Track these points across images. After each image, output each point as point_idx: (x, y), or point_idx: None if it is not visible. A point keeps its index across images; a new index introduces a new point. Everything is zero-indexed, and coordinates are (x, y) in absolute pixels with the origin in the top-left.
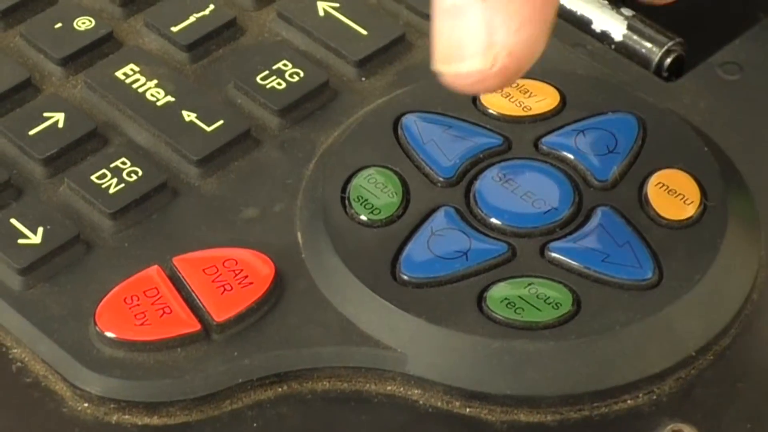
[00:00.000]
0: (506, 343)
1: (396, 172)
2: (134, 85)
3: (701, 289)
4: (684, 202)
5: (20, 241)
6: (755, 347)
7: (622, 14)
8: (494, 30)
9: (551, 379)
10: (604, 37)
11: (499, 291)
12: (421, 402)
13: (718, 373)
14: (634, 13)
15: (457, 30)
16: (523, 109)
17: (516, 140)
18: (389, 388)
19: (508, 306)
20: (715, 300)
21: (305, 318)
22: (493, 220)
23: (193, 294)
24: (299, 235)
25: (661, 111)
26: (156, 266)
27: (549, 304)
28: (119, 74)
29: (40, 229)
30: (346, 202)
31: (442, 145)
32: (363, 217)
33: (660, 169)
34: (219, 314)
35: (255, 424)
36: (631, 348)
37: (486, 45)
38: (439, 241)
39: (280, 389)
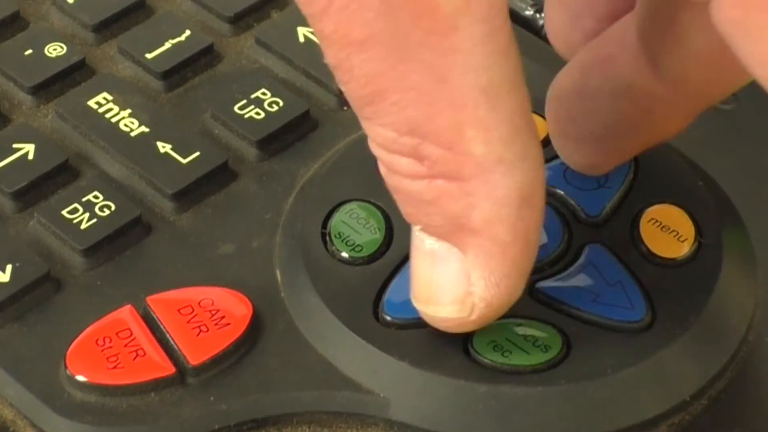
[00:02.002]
0: (493, 387)
1: (379, 207)
2: (107, 115)
3: (696, 331)
4: (678, 239)
5: None
6: (752, 391)
7: None
8: (473, 282)
9: (539, 426)
10: None
11: (485, 332)
12: None
13: (713, 419)
14: None
15: (435, 276)
16: None
17: None
18: None
19: (495, 348)
20: (710, 342)
21: (284, 360)
22: None
23: (168, 336)
24: (278, 272)
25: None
26: (129, 306)
27: (537, 346)
28: (91, 103)
29: (9, 267)
30: (327, 238)
31: None
32: (344, 255)
33: (653, 204)
34: (194, 357)
35: None
36: (622, 393)
37: (464, 295)
38: None
39: None
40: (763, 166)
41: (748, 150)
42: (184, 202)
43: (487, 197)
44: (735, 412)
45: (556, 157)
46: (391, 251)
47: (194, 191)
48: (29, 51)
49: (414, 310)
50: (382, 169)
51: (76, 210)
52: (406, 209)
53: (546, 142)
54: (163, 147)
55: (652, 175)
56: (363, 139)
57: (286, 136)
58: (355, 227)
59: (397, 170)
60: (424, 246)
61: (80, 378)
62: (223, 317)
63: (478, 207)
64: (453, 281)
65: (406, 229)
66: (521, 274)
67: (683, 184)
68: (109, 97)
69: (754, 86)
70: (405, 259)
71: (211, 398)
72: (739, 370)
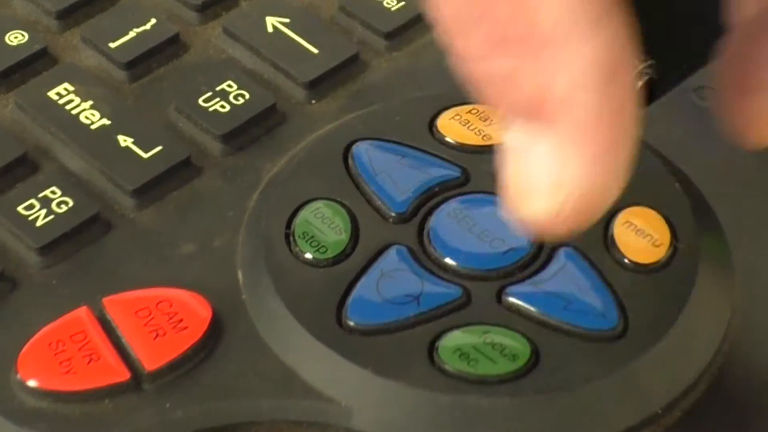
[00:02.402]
0: (458, 398)
1: (345, 206)
2: (67, 107)
3: (669, 340)
4: (653, 243)
5: None
6: (725, 403)
7: None
8: (565, 166)
9: None
10: None
11: (451, 340)
12: None
13: (685, 430)
14: None
15: (523, 167)
16: (483, 138)
17: (474, 172)
18: None
19: (461, 357)
20: (684, 352)
21: (244, 366)
22: (448, 261)
23: (123, 339)
24: (240, 273)
25: None
26: (85, 307)
27: (505, 355)
28: (52, 94)
29: None
30: (291, 238)
31: (395, 177)
32: (308, 256)
33: (627, 206)
34: (150, 362)
35: None
36: (592, 405)
37: (555, 183)
38: (389, 284)
39: None
40: (745, 167)
41: (727, 150)
42: (144, 199)
43: (563, 70)
44: (708, 425)
45: None
46: (357, 253)
47: (155, 187)
48: None
49: (379, 314)
50: (456, 60)
51: (32, 206)
52: (487, 93)
53: None
54: (125, 141)
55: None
56: (331, 135)
57: (252, 130)
58: (320, 227)
59: (467, 52)
60: (511, 140)
61: (32, 383)
62: (181, 320)
63: (557, 79)
64: (542, 167)
65: (373, 229)
66: (616, 163)
67: (659, 185)
68: (71, 88)
69: None
70: (370, 261)
71: (167, 405)
72: (713, 382)
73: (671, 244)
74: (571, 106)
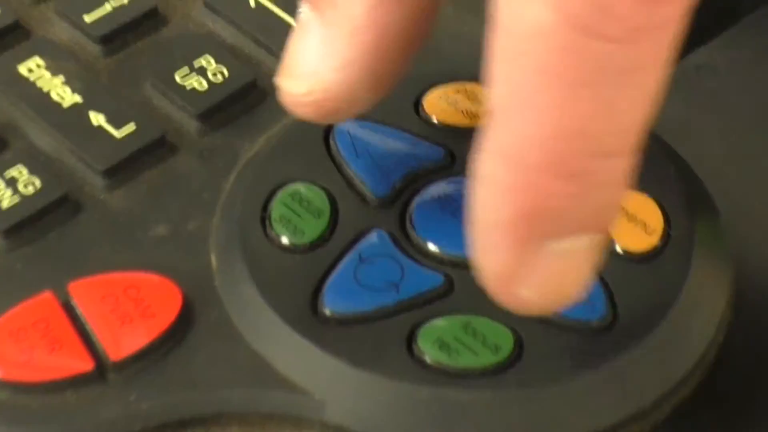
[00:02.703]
0: (437, 391)
1: (324, 189)
2: (38, 82)
3: (660, 332)
4: (645, 230)
5: None
6: (719, 399)
7: None
8: (320, 60)
9: None
10: None
11: (432, 330)
12: None
13: (675, 429)
14: None
15: (294, 45)
16: (470, 118)
17: (460, 153)
18: None
19: (442, 348)
20: (676, 345)
21: (215, 356)
22: (430, 247)
23: (88, 326)
24: (213, 258)
25: None
26: (49, 292)
27: (487, 346)
28: (22, 69)
29: None
30: (267, 222)
31: (377, 159)
32: (284, 240)
33: None
34: (116, 351)
35: None
36: (577, 400)
37: (309, 71)
38: (368, 270)
39: None
40: (747, 151)
41: (727, 131)
42: (115, 179)
43: None
44: (700, 421)
45: None
46: (335, 238)
47: (127, 167)
48: None
49: (356, 302)
50: None
51: None
52: None
53: None
54: (97, 119)
55: None
56: None
57: (231, 108)
58: (298, 211)
59: None
60: (301, 15)
61: None
62: (149, 307)
63: None
64: (305, 53)
65: (353, 213)
66: (366, 74)
67: (654, 169)
68: (42, 63)
69: (738, 62)
70: (349, 247)
71: (133, 397)
72: (705, 376)
73: (664, 231)
74: (340, 10)
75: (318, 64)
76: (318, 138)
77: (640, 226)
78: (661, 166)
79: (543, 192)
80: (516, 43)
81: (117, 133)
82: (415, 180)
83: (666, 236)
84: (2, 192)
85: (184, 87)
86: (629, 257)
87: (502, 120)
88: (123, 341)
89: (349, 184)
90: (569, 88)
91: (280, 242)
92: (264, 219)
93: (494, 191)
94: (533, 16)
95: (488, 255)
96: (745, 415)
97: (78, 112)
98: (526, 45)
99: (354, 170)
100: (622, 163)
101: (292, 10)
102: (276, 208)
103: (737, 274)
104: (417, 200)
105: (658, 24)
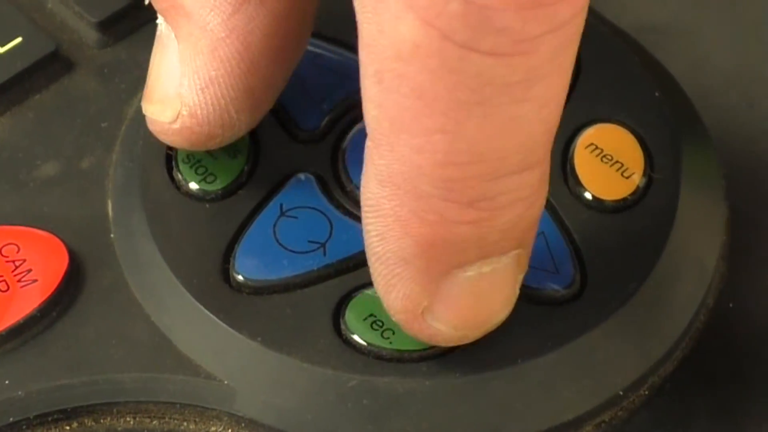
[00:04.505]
0: (368, 379)
1: None
2: None
3: (638, 301)
4: (622, 173)
5: None
6: (707, 375)
7: None
8: (182, 81)
9: (425, 430)
10: None
11: (362, 303)
12: None
13: (655, 415)
14: None
15: (156, 65)
16: None
17: None
18: (212, 430)
19: (374, 326)
20: (656, 316)
21: (106, 331)
22: None
23: None
24: (110, 205)
25: (604, 35)
26: None
27: None
28: None
29: None
30: (174, 162)
31: (309, 83)
32: (193, 186)
33: (594, 122)
34: None
35: None
36: (537, 387)
37: (172, 95)
38: (290, 226)
39: (67, 428)
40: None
41: (728, 33)
42: None
43: None
44: (684, 403)
45: None
46: (253, 183)
47: (13, 89)
48: None
49: (274, 267)
50: None
51: None
52: None
53: None
54: None
55: (598, 81)
56: None
57: (137, 14)
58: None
59: None
60: (159, 28)
61: None
62: (29, 270)
63: None
64: (167, 74)
65: (276, 151)
66: (235, 90)
67: (636, 94)
68: None
69: None
70: (269, 195)
71: (6, 382)
72: (691, 348)
73: (645, 173)
74: (196, 24)
75: (180, 85)
76: None
77: (616, 167)
78: (644, 88)
79: (442, 221)
80: (388, 64)
81: (1, 48)
82: (351, 109)
83: (647, 180)
84: None
85: None
86: (601, 207)
87: (385, 146)
88: None
89: (274, 114)
90: (454, 110)
91: (186, 188)
92: (170, 158)
93: (388, 222)
94: (404, 34)
95: (392, 288)
96: (737, 393)
97: None
98: (400, 66)
99: (281, 99)
100: (529, 178)
101: None
102: None
103: (731, 222)
104: (352, 135)
105: (548, 30)
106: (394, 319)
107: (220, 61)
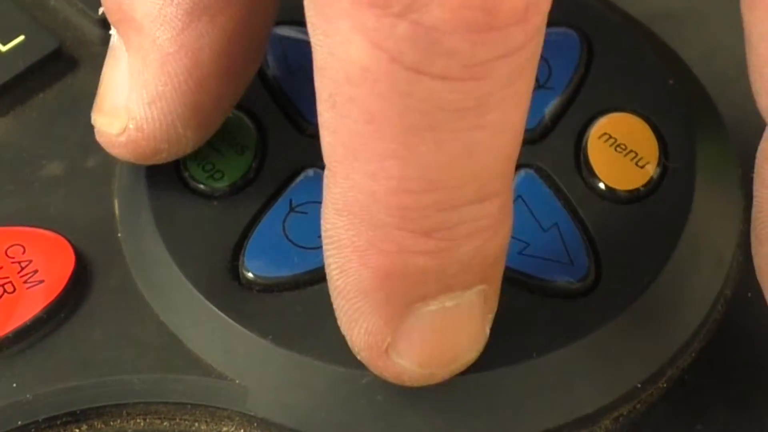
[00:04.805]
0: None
1: (252, 115)
2: None
3: (654, 293)
4: (636, 163)
5: None
6: (725, 366)
7: None
8: (129, 95)
9: (440, 427)
10: None
11: None
12: None
13: (673, 407)
14: None
15: (106, 76)
16: None
17: None
18: (224, 430)
19: None
20: (673, 307)
21: (114, 332)
22: None
23: None
24: (116, 204)
25: (616, 23)
26: None
27: None
28: None
29: None
30: (180, 160)
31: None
32: (200, 184)
33: (607, 112)
34: None
35: None
36: (553, 382)
37: (121, 107)
38: (300, 222)
39: (77, 430)
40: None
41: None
42: (2, 104)
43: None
44: (703, 396)
45: None
46: (261, 179)
47: (16, 89)
48: None
49: (284, 264)
50: None
51: None
52: None
53: None
54: None
55: (611, 70)
56: None
57: None
58: (218, 145)
59: None
60: (111, 39)
61: None
62: (36, 271)
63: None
64: (116, 86)
65: (285, 146)
66: (183, 106)
67: (650, 82)
68: None
69: None
70: (278, 190)
71: (14, 385)
72: (710, 340)
73: (660, 162)
74: (146, 36)
75: (128, 98)
76: None
77: (630, 156)
78: (658, 76)
79: (400, 251)
80: (339, 87)
81: (2, 47)
82: None
83: (662, 169)
84: None
85: None
86: (615, 197)
87: (340, 174)
88: (2, 315)
89: (282, 108)
90: (406, 135)
91: (194, 186)
92: None
93: (346, 253)
94: (353, 56)
95: (354, 324)
96: (755, 384)
97: None
98: (350, 90)
99: (286, 90)
100: (489, 208)
101: None
102: None
103: (749, 210)
104: None
105: (500, 55)
106: (358, 357)
107: (168, 77)
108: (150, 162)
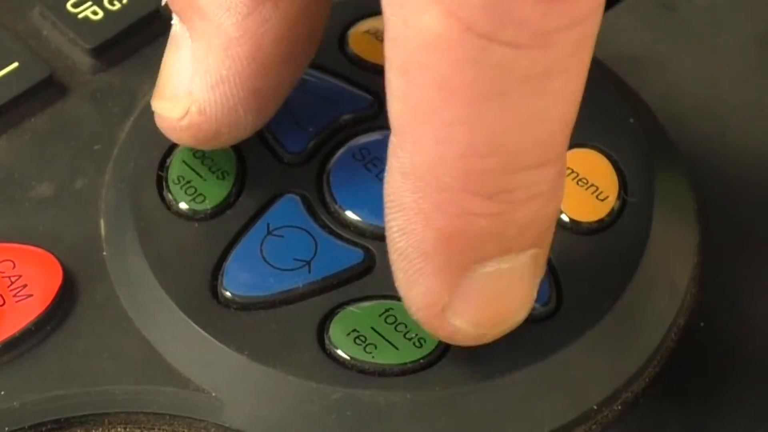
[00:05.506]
0: (351, 392)
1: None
2: None
3: (612, 318)
4: (597, 196)
5: None
6: (678, 391)
7: None
8: (194, 79)
9: None
10: None
11: (346, 319)
12: None
13: (627, 429)
14: None
15: (169, 63)
16: None
17: None
18: None
19: (357, 341)
20: (630, 333)
21: (98, 345)
22: (349, 215)
23: None
24: (102, 224)
25: None
26: None
27: (409, 339)
28: None
29: None
30: (164, 182)
31: (293, 107)
32: (182, 206)
33: (570, 147)
34: None
35: None
36: (514, 401)
37: (184, 93)
38: (277, 245)
39: None
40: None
41: (698, 66)
42: None
43: None
44: (656, 419)
45: None
46: (241, 203)
47: (8, 113)
48: None
49: (260, 285)
50: None
51: None
52: None
53: None
54: None
55: None
56: None
57: (129, 41)
58: (200, 170)
59: None
60: (173, 27)
61: None
62: (24, 285)
63: None
64: (178, 72)
65: (263, 173)
66: (244, 90)
67: (612, 120)
68: None
69: None
70: (256, 215)
71: (2, 393)
72: (663, 365)
73: (619, 196)
74: (211, 22)
75: (191, 82)
76: None
77: (590, 190)
78: (620, 115)
79: (463, 213)
80: (411, 55)
81: None
82: (335, 132)
83: (621, 203)
84: None
85: (76, 16)
86: (577, 228)
87: (408, 139)
88: None
89: (260, 137)
90: (475, 101)
91: (177, 208)
92: (161, 179)
93: (410, 216)
94: (428, 25)
95: (413, 284)
96: (707, 410)
97: None
98: (423, 57)
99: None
100: (547, 174)
101: None
102: (174, 167)
103: (703, 245)
104: (336, 159)
105: (567, 25)
106: (414, 317)
107: (231, 61)
108: (210, 146)
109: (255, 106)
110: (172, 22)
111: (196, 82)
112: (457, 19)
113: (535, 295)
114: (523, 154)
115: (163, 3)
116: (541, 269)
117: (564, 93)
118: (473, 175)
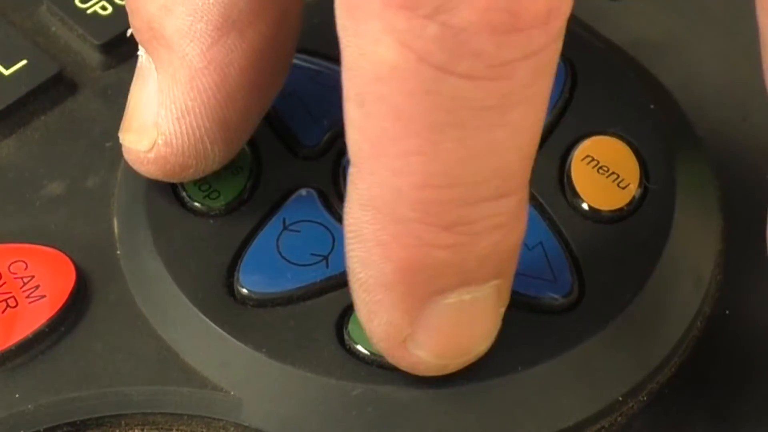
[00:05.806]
0: (372, 388)
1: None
2: None
3: (635, 309)
4: (618, 184)
5: None
6: (704, 380)
7: None
8: (159, 112)
9: None
10: None
11: None
12: None
13: (653, 420)
14: None
15: (135, 95)
16: None
17: None
18: None
19: None
20: (654, 323)
21: (114, 344)
22: None
23: None
24: (115, 223)
25: (599, 49)
26: None
27: None
28: None
29: None
30: None
31: (308, 100)
32: (197, 203)
33: (590, 135)
34: None
35: None
36: (538, 394)
37: (150, 124)
38: (293, 240)
39: None
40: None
41: (721, 47)
42: (4, 127)
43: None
44: (682, 409)
45: None
46: (256, 199)
47: (18, 112)
48: None
49: (278, 280)
50: None
51: None
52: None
53: None
54: None
55: (594, 94)
56: None
57: None
58: None
59: None
60: (140, 59)
61: None
62: (37, 286)
63: (165, 21)
64: (145, 104)
65: (278, 168)
66: (211, 121)
67: (632, 107)
68: None
69: None
70: (271, 210)
71: (17, 396)
72: (689, 355)
73: (641, 184)
74: (176, 53)
75: (158, 114)
76: None
77: (613, 178)
78: (640, 102)
79: (422, 245)
80: (367, 86)
81: (5, 72)
82: None
83: (643, 190)
84: None
85: (84, 11)
86: (598, 217)
87: (366, 170)
88: (5, 329)
89: (275, 131)
90: (431, 132)
91: (191, 205)
92: None
93: (369, 247)
94: (383, 56)
95: (374, 315)
96: (734, 399)
97: None
98: (379, 88)
99: (280, 114)
100: (507, 205)
101: None
102: None
103: (727, 232)
104: None
105: (523, 56)
106: (376, 347)
107: (197, 92)
108: (178, 179)
109: (222, 137)
110: (139, 53)
111: (162, 114)
112: (412, 51)
113: (499, 324)
114: (481, 185)
115: (128, 34)
116: (504, 300)
117: (523, 124)
118: (431, 206)
